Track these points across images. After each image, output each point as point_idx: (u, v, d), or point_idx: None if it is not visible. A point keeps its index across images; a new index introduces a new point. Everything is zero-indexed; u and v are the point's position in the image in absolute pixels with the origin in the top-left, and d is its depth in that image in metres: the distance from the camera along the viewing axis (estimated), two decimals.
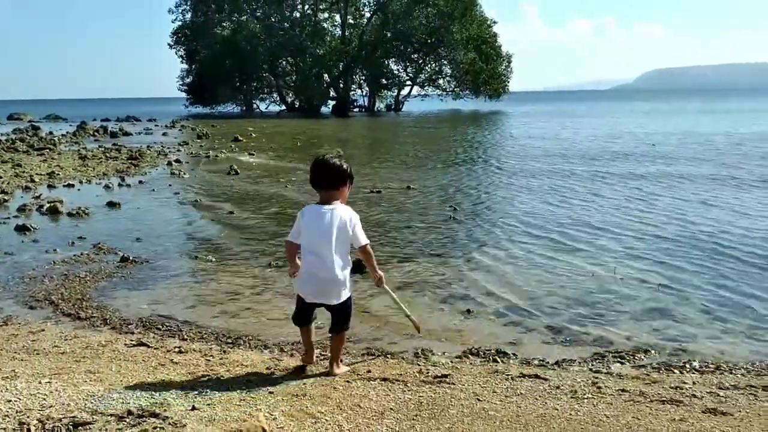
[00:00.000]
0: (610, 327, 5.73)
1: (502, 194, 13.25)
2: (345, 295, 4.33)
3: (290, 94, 74.43)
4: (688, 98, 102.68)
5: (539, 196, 12.79)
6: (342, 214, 4.36)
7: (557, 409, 3.78)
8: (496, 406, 3.80)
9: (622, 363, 4.87)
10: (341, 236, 4.27)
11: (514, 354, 5.05)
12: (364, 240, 4.37)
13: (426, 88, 75.32)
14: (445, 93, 74.63)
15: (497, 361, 4.84)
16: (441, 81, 74.13)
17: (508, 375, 4.44)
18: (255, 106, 74.83)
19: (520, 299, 6.55)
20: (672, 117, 46.72)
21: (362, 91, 75.53)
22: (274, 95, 75.26)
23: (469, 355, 4.97)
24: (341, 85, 71.82)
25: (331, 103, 72.73)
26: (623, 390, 4.15)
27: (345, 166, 4.55)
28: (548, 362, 4.86)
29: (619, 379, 4.45)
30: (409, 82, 74.42)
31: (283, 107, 73.87)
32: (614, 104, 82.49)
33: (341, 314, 4.36)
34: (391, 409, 3.69)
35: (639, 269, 7.54)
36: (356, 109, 73.10)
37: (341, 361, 4.53)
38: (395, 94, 75.39)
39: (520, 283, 7.14)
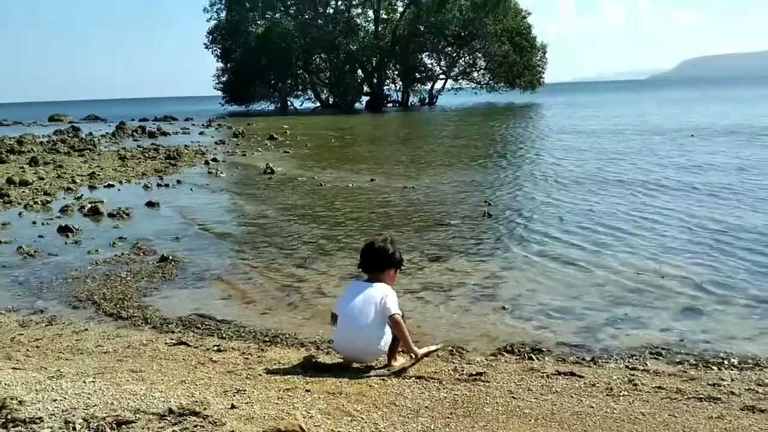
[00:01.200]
0: (646, 324, 5.67)
1: (536, 190, 13.11)
2: (381, 353, 4.54)
3: (324, 91, 74.79)
4: (727, 87, 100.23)
5: (575, 192, 12.64)
6: (379, 290, 4.54)
7: (593, 407, 3.78)
8: (531, 404, 3.81)
9: (658, 360, 4.83)
10: (372, 307, 4.45)
11: (549, 351, 5.04)
12: (393, 309, 4.48)
13: (460, 81, 74.99)
14: (479, 86, 74.23)
15: (532, 359, 4.84)
16: (475, 74, 73.74)
17: (543, 373, 4.44)
18: (290, 103, 75.32)
19: (556, 296, 6.52)
20: (714, 106, 45.76)
21: (396, 86, 75.52)
22: (309, 92, 75.64)
23: (504, 353, 4.98)
24: (375, 81, 71.90)
25: (365, 98, 72.88)
26: (660, 387, 4.13)
27: (391, 251, 4.75)
28: (584, 359, 4.85)
29: (655, 376, 4.42)
30: (442, 76, 74.16)
31: (318, 104, 74.23)
32: (651, 94, 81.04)
33: None
34: (426, 407, 3.72)
35: (676, 266, 7.42)
36: (390, 104, 73.12)
37: (400, 353, 4.63)
38: (429, 88, 75.25)
39: (556, 280, 7.09)
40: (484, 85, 73.56)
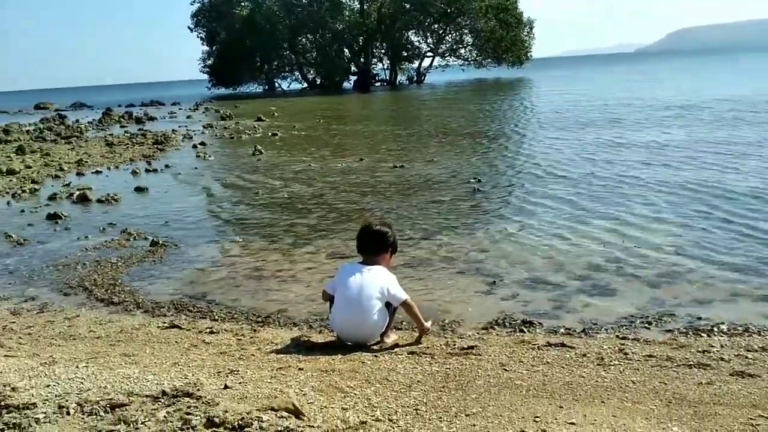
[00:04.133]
0: (636, 294, 5.72)
1: (525, 165, 13.12)
2: (378, 335, 4.57)
3: (311, 71, 74.35)
4: (710, 57, 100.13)
5: (563, 167, 12.64)
6: (378, 274, 4.58)
7: (584, 377, 3.82)
8: (523, 375, 3.84)
9: (648, 329, 4.87)
10: (375, 294, 4.48)
11: (539, 323, 5.07)
12: (402, 296, 4.55)
13: (447, 58, 74.65)
14: (466, 62, 73.93)
15: (523, 331, 4.88)
16: (462, 50, 73.39)
17: (534, 344, 4.47)
18: (277, 84, 74.91)
19: (546, 269, 6.55)
20: (705, 74, 45.78)
21: (383, 65, 75.12)
22: (296, 73, 75.22)
23: (495, 326, 5.02)
24: (362, 60, 71.48)
25: (353, 78, 72.50)
26: (650, 355, 4.17)
27: (388, 235, 4.81)
28: (574, 330, 4.89)
29: (645, 344, 4.46)
30: (430, 54, 73.80)
31: (305, 85, 73.82)
32: (636, 67, 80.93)
33: None
34: (419, 381, 3.75)
35: (661, 236, 7.47)
36: (378, 83, 72.75)
37: (393, 330, 4.70)
38: (416, 66, 74.85)
39: (544, 253, 7.12)
40: (472, 62, 73.27)
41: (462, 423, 3.13)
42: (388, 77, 73.96)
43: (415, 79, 73.68)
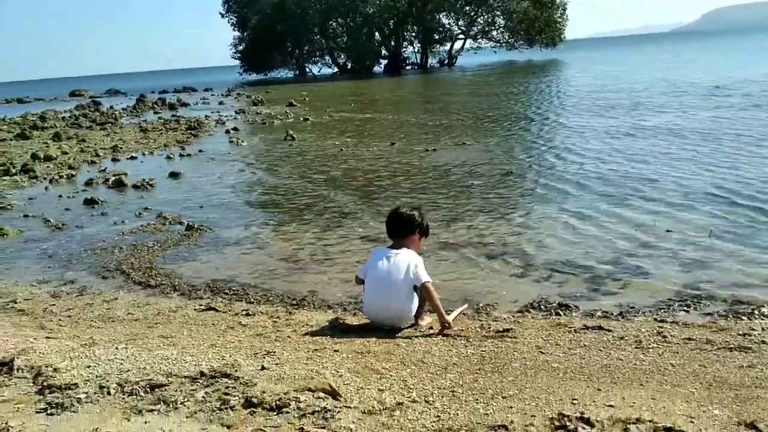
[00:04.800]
0: (673, 277, 5.62)
1: (559, 148, 12.96)
2: (411, 318, 4.58)
3: (342, 56, 74.29)
4: (746, 37, 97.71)
5: (596, 149, 12.46)
6: (405, 256, 4.58)
7: (621, 360, 3.77)
8: (560, 358, 3.81)
9: (687, 311, 4.80)
10: (402, 277, 4.48)
11: (575, 306, 5.02)
12: (424, 278, 4.52)
13: (479, 40, 74.06)
14: (498, 45, 73.23)
15: (560, 315, 4.83)
16: (494, 32, 72.75)
17: (570, 328, 4.43)
18: (308, 69, 75.01)
19: (580, 253, 6.47)
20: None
21: (414, 48, 74.76)
22: (326, 58, 75.27)
23: (531, 309, 4.98)
24: (392, 43, 71.20)
25: (384, 62, 72.27)
26: (689, 338, 4.10)
27: (417, 218, 4.80)
28: (611, 314, 4.83)
29: (684, 327, 4.39)
30: (461, 36, 73.26)
31: (336, 69, 73.81)
32: (674, 47, 79.31)
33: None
34: (454, 363, 3.74)
35: (696, 219, 7.31)
36: (409, 67, 72.51)
37: (427, 312, 4.67)
38: (448, 48, 74.37)
39: (580, 236, 7.03)
40: (504, 44, 72.58)
41: (499, 405, 3.11)
42: (419, 60, 73.64)
43: (447, 62, 73.27)
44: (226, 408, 3.13)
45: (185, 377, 3.52)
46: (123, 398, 3.30)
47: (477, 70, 56.05)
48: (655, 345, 4.01)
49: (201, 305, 5.48)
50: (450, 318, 4.54)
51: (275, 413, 3.06)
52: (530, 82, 34.77)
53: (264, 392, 3.25)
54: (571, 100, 22.79)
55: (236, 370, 3.59)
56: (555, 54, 69.94)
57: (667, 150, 11.82)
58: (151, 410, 3.14)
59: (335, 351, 4.03)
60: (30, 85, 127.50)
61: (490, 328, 4.45)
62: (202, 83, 62.94)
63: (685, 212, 7.62)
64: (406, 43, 73.60)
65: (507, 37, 71.90)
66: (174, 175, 12.70)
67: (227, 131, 20.24)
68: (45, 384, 3.50)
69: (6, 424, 2.99)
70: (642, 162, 10.82)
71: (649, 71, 34.77)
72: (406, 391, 3.31)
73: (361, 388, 3.37)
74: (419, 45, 73.67)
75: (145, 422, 3.02)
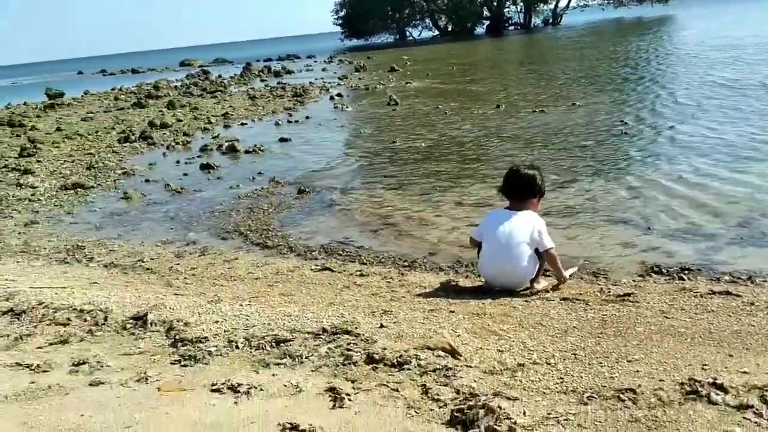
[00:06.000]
0: None
1: (673, 108, 12.31)
2: (528, 281, 4.51)
3: (443, 18, 73.34)
4: None
5: (713, 109, 11.76)
6: (527, 219, 4.47)
7: (753, 326, 3.59)
8: (686, 323, 3.67)
9: None
10: (524, 239, 4.39)
11: (699, 271, 4.81)
12: (549, 244, 4.44)
13: None
14: (606, 1, 70.18)
15: (683, 279, 4.64)
16: None
17: (696, 292, 4.25)
18: (408, 33, 74.58)
19: (702, 215, 6.17)
20: None
21: (517, 7, 72.75)
22: (427, 21, 74.54)
23: (652, 273, 4.81)
24: (494, 3, 69.53)
25: (485, 23, 70.83)
26: None
27: (537, 180, 4.64)
28: (739, 278, 4.59)
29: None
30: None
31: (436, 32, 73.01)
32: None
33: None
34: (575, 327, 3.68)
35: None
36: (511, 27, 70.78)
37: (544, 275, 4.63)
38: (552, 6, 71.90)
39: (698, 199, 6.68)
40: (612, 1, 69.43)
41: (624, 368, 3.04)
42: (522, 20, 71.68)
43: (551, 21, 70.92)
44: (349, 363, 3.21)
45: (308, 333, 3.64)
46: (250, 352, 3.45)
47: (584, 29, 53.96)
48: None
49: (317, 266, 5.62)
50: (566, 274, 4.57)
51: (397, 369, 3.11)
52: (641, 40, 33.10)
53: (385, 349, 3.32)
54: (685, 59, 21.52)
55: (356, 328, 3.68)
56: (667, 10, 66.26)
57: None
58: (278, 363, 3.27)
59: (451, 312, 4.05)
60: (142, 56, 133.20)
61: (609, 292, 4.34)
62: (304, 50, 63.79)
63: None
64: (508, 2, 71.71)
65: None
66: (283, 141, 13.00)
67: (331, 97, 20.50)
68: (177, 337, 3.70)
69: (145, 373, 3.19)
70: (764, 122, 10.12)
71: None
72: (527, 353, 3.29)
73: (480, 348, 3.37)
74: (522, 4, 71.56)
75: (273, 375, 3.14)
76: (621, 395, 2.74)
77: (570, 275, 4.69)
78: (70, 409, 2.82)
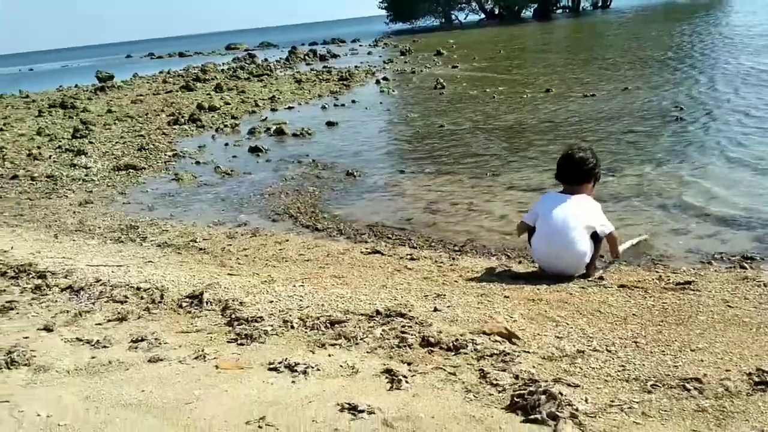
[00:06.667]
0: None
1: (729, 94, 11.90)
2: (584, 266, 4.44)
3: (489, 1, 72.47)
4: None
5: None
6: (584, 203, 4.42)
7: None
8: (750, 312, 3.56)
9: None
10: (581, 224, 4.32)
11: (762, 259, 4.66)
12: (610, 227, 4.40)
13: None
14: None
15: (744, 268, 4.50)
16: None
17: (759, 281, 4.12)
18: (453, 17, 73.90)
19: (757, 204, 5.93)
20: None
21: None
22: (473, 4, 73.74)
23: (712, 261, 4.68)
24: None
25: (533, 6, 69.75)
26: None
27: (592, 163, 4.55)
28: None
29: None
30: None
31: (483, 16, 72.22)
32: None
33: None
34: (634, 314, 3.60)
35: None
36: (559, 11, 69.59)
37: (595, 267, 4.55)
38: None
39: (755, 187, 6.45)
40: None
41: (688, 357, 2.96)
42: (570, 3, 70.40)
43: (601, 3, 69.47)
44: (405, 346, 3.20)
45: (362, 315, 3.64)
46: (306, 332, 3.46)
47: (635, 12, 52.70)
48: None
49: (367, 248, 5.62)
50: (621, 249, 4.65)
51: (453, 353, 3.08)
52: (695, 23, 32.13)
53: (440, 332, 3.29)
54: (741, 43, 20.82)
55: (410, 310, 3.66)
56: None
57: None
58: (333, 344, 3.27)
59: (505, 297, 4.01)
60: (188, 40, 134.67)
61: (669, 280, 4.23)
62: (349, 34, 63.72)
63: None
64: None
65: None
66: (330, 125, 13.02)
67: (377, 81, 20.43)
68: (233, 316, 3.73)
69: (202, 351, 3.22)
70: None
71: None
72: (586, 340, 3.23)
73: (538, 334, 3.32)
74: None
75: (329, 355, 3.14)
76: (686, 384, 2.67)
77: (630, 246, 4.76)
78: (131, 384, 2.87)
